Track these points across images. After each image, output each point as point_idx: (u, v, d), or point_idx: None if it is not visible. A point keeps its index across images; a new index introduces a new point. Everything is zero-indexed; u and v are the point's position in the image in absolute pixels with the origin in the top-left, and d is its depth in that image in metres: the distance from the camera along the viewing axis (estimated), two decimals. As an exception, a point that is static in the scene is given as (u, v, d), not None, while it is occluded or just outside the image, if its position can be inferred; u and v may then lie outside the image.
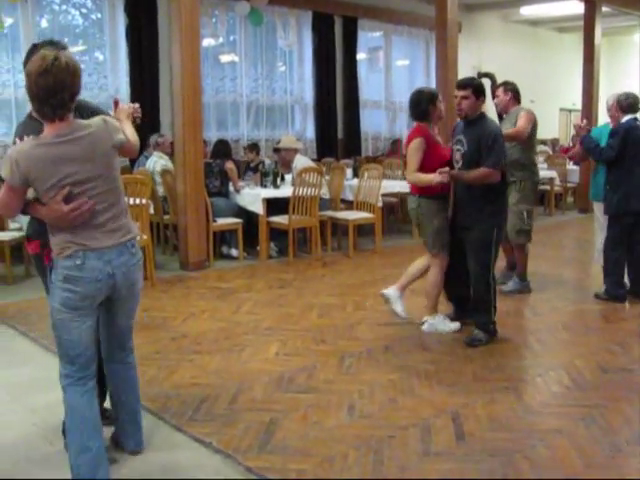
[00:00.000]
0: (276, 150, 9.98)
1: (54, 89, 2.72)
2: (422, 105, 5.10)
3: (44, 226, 2.98)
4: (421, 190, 5.10)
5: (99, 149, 2.87)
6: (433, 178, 4.81)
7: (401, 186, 9.65)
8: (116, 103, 3.48)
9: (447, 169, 4.83)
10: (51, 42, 3.24)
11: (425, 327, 5.22)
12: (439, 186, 4.89)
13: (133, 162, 9.00)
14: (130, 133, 3.22)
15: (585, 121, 6.77)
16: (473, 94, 4.96)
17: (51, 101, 2.73)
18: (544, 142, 15.30)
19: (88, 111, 3.25)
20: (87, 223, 2.88)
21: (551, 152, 14.39)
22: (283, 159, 9.17)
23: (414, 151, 4.99)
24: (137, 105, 3.53)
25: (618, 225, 5.99)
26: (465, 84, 5.04)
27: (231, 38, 11.31)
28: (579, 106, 13.53)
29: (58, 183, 2.79)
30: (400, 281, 5.33)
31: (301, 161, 8.87)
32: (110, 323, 3.18)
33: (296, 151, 9.11)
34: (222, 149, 8.70)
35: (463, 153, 4.99)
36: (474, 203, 4.94)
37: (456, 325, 5.23)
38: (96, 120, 2.94)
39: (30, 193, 2.87)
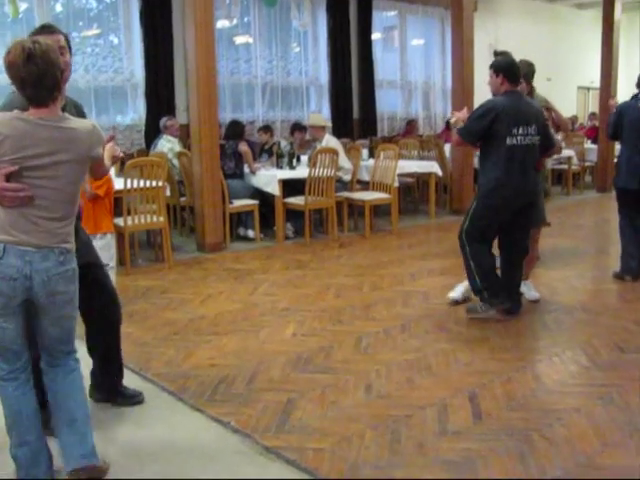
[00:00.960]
0: (293, 130, 9.97)
1: (45, 71, 2.67)
2: None
3: None
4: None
5: (75, 147, 2.76)
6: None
7: (418, 166, 9.64)
8: (111, 137, 3.35)
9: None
10: (45, 26, 3.24)
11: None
12: None
13: (149, 145, 9.04)
14: (107, 164, 3.18)
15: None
16: (494, 73, 4.96)
17: (45, 83, 2.68)
18: (561, 120, 15.19)
19: (81, 115, 3.28)
20: (23, 212, 2.71)
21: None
22: (312, 137, 9.17)
23: None
24: (122, 154, 3.50)
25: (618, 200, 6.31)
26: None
27: (245, 19, 11.27)
28: (597, 84, 13.38)
29: (17, 160, 2.66)
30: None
31: (331, 142, 8.83)
32: (38, 329, 2.90)
33: (324, 129, 9.01)
34: (235, 130, 8.62)
35: None
36: None
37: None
38: (86, 121, 2.88)
39: None
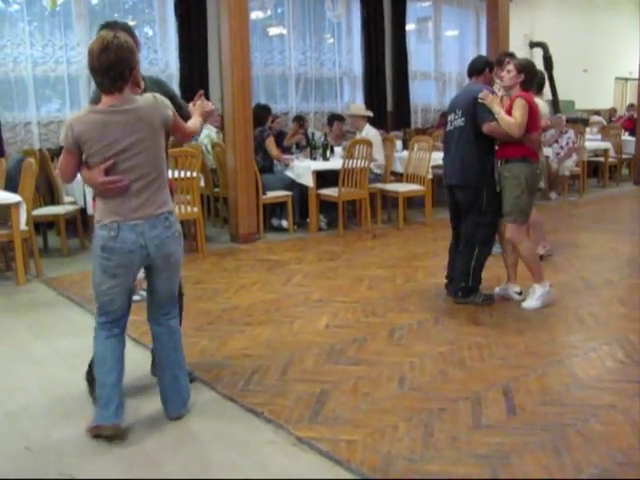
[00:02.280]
0: (331, 121, 9.94)
1: (114, 63, 2.99)
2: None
3: None
4: None
5: (145, 121, 3.09)
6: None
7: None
8: (200, 95, 3.70)
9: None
10: (115, 22, 3.49)
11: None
12: None
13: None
14: (193, 123, 3.53)
15: None
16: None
17: (111, 73, 3.00)
18: (598, 112, 14.98)
19: (167, 94, 3.43)
20: (124, 193, 3.10)
21: (605, 123, 14.06)
22: (352, 126, 9.17)
23: None
24: (213, 107, 3.75)
25: None
26: None
27: (279, 11, 11.27)
28: (636, 74, 13.16)
29: (103, 149, 3.05)
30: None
31: (371, 132, 8.79)
32: (151, 288, 3.37)
33: (365, 119, 8.98)
34: (258, 114, 8.31)
35: None
36: None
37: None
38: (147, 96, 3.17)
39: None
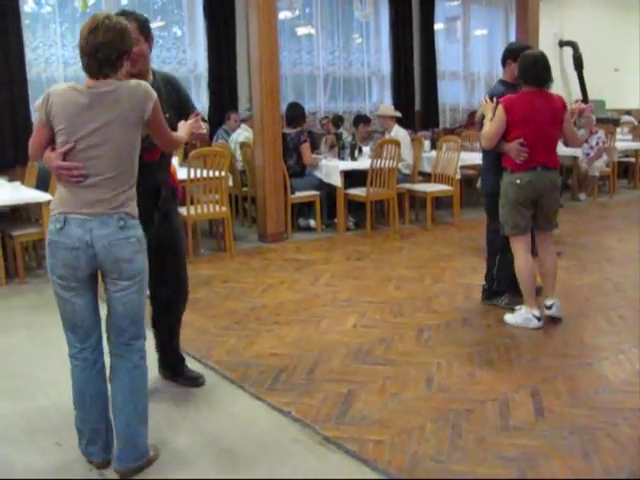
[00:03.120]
0: (357, 122, 9.93)
1: (102, 45, 2.75)
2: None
3: None
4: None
5: (119, 106, 2.78)
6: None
7: (481, 158, 9.49)
8: (196, 115, 3.43)
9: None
10: (131, 12, 3.39)
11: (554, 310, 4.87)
12: None
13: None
14: (177, 135, 3.23)
15: None
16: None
17: (98, 56, 2.76)
18: (629, 112, 14.80)
19: (177, 94, 3.46)
20: (79, 184, 2.79)
21: (636, 123, 13.89)
22: (382, 127, 9.20)
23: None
24: (205, 132, 3.50)
25: None
26: None
27: (307, 10, 11.28)
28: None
29: (69, 129, 2.77)
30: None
31: (400, 133, 8.78)
32: (108, 306, 2.93)
33: (394, 119, 8.96)
34: (294, 114, 8.35)
35: None
36: None
37: None
38: (131, 81, 2.88)
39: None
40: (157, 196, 3.46)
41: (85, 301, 2.88)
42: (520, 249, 4.73)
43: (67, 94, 2.79)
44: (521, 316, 4.76)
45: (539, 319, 4.68)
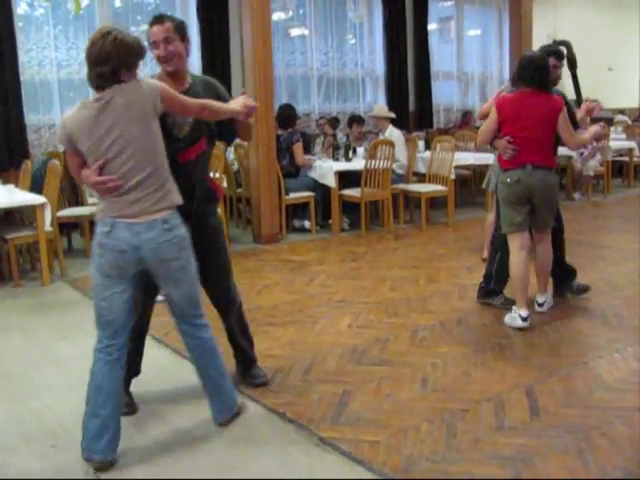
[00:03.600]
0: (351, 123, 9.93)
1: (98, 60, 2.87)
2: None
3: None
4: (555, 161, 4.85)
5: (132, 108, 2.90)
6: (598, 130, 5.00)
7: (475, 158, 9.52)
8: (243, 93, 3.55)
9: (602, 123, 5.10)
10: (168, 16, 3.44)
11: (545, 307, 5.01)
12: None
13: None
14: (224, 105, 3.34)
15: None
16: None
17: (95, 70, 2.88)
18: (623, 111, 14.84)
19: (215, 95, 3.44)
20: (120, 192, 2.95)
21: (630, 122, 13.92)
22: (376, 127, 9.17)
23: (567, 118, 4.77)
24: (253, 104, 3.49)
25: None
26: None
27: (301, 11, 11.28)
28: (662, 73, 13.02)
29: (94, 146, 2.90)
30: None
31: (395, 133, 8.79)
32: (167, 298, 3.20)
33: (388, 120, 8.98)
34: (288, 115, 8.39)
35: None
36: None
37: None
38: (132, 82, 2.95)
39: None
40: (192, 198, 3.39)
41: (122, 301, 3.03)
42: (515, 247, 4.74)
43: (78, 115, 2.93)
44: (510, 315, 4.77)
45: (524, 319, 4.66)
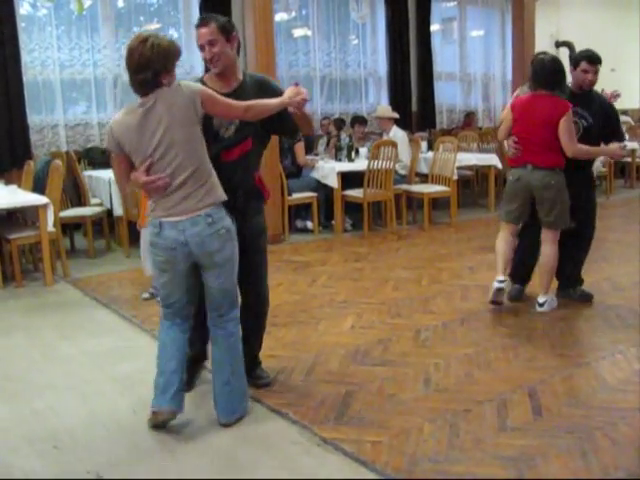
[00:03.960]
0: (353, 123, 9.93)
1: (139, 67, 2.99)
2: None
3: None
4: (560, 163, 4.81)
5: (173, 111, 3.03)
6: (615, 150, 4.98)
7: (477, 159, 9.53)
8: (295, 83, 3.55)
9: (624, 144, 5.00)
10: (216, 17, 3.42)
11: (546, 307, 5.02)
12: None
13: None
14: (257, 103, 3.28)
15: None
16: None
17: (137, 77, 3.00)
18: (625, 112, 14.82)
19: (267, 94, 3.43)
20: (166, 189, 3.11)
21: (633, 123, 13.90)
22: (380, 128, 9.17)
23: (570, 124, 4.75)
24: (304, 96, 3.49)
25: None
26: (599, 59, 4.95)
27: (303, 12, 11.27)
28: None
29: (141, 148, 3.06)
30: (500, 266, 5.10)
31: (399, 134, 8.79)
32: (205, 287, 3.33)
33: (392, 120, 8.98)
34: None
35: (587, 126, 4.89)
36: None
37: None
38: (174, 87, 3.06)
39: None
40: (235, 196, 3.39)
41: (180, 289, 3.29)
42: (503, 234, 5.08)
43: (123, 120, 3.10)
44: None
45: (500, 281, 4.98)
